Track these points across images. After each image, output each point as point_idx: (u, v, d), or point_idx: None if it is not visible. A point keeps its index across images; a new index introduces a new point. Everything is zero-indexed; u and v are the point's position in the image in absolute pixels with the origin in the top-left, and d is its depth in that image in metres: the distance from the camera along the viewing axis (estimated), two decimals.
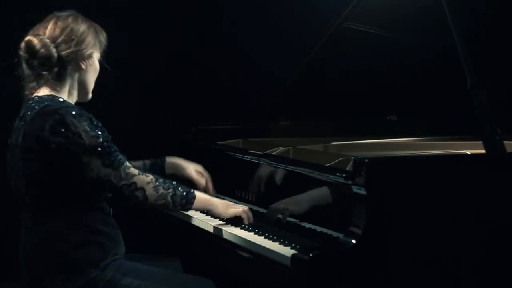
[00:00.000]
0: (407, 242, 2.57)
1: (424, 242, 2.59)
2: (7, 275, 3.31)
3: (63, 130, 2.53)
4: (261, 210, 3.10)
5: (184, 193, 2.69)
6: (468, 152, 3.01)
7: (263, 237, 2.80)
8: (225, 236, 2.90)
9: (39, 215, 2.61)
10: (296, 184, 2.93)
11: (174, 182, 2.68)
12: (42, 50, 2.64)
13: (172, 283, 2.71)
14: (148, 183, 2.62)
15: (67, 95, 2.70)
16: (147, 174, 2.63)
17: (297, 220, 2.89)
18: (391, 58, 3.61)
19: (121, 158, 2.60)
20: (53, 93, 2.67)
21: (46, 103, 2.62)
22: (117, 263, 2.65)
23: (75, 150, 2.54)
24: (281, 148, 3.37)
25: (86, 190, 2.60)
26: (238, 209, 2.90)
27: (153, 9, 4.17)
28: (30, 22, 2.82)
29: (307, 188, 2.87)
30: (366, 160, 2.55)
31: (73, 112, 2.57)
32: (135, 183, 2.59)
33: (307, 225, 2.84)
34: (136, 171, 2.61)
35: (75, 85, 2.72)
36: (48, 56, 2.64)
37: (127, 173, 2.59)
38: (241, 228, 2.91)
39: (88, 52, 2.70)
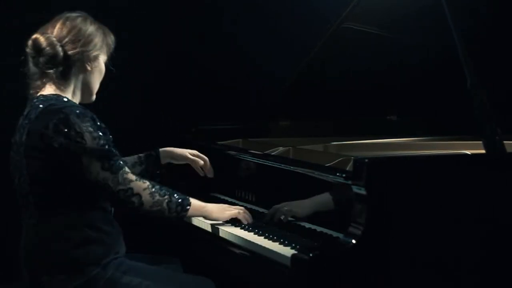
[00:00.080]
0: (407, 242, 2.57)
1: (424, 242, 2.59)
2: (7, 275, 3.31)
3: (66, 129, 2.55)
4: (261, 210, 3.10)
5: (180, 200, 2.70)
6: (468, 152, 3.01)
7: (263, 237, 2.80)
8: (225, 236, 2.90)
9: (42, 213, 2.62)
10: (296, 184, 2.93)
11: (170, 189, 2.69)
12: (48, 48, 2.65)
13: (172, 282, 2.71)
14: (145, 189, 2.63)
15: (71, 95, 2.71)
16: (144, 181, 2.64)
17: (297, 220, 2.89)
18: (391, 58, 3.61)
19: (121, 162, 2.60)
20: (57, 92, 2.68)
21: (50, 102, 2.63)
22: (117, 261, 2.66)
23: (76, 150, 2.55)
24: (281, 148, 3.37)
25: (87, 190, 2.61)
26: (233, 211, 2.90)
27: (153, 9, 4.17)
28: (30, 23, 2.82)
29: (307, 188, 2.87)
30: (366, 160, 2.55)
31: (77, 111, 2.58)
32: (131, 188, 2.60)
33: (307, 225, 2.84)
34: (133, 177, 2.62)
35: (80, 86, 2.73)
36: (54, 55, 2.65)
37: (125, 178, 2.59)
38: (241, 228, 2.91)
39: (94, 54, 2.71)
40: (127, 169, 2.62)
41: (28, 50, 2.69)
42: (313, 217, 2.82)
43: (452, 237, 2.63)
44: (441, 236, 2.61)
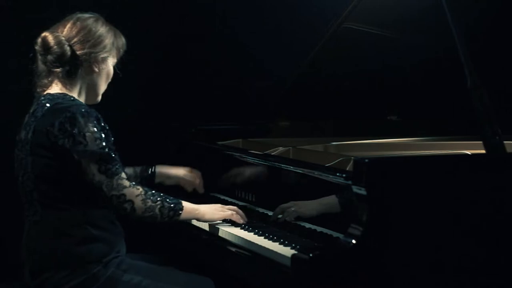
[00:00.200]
0: (407, 242, 2.57)
1: (424, 242, 2.59)
2: (7, 275, 3.31)
3: (70, 128, 2.56)
4: (261, 210, 3.10)
5: (172, 205, 2.71)
6: (468, 152, 3.01)
7: (263, 237, 2.80)
8: (225, 236, 2.90)
9: (45, 210, 2.63)
10: (296, 184, 2.93)
11: (162, 194, 2.70)
12: (56, 47, 2.67)
13: (172, 281, 2.72)
14: (137, 195, 2.63)
15: (77, 94, 2.73)
16: (138, 187, 2.65)
17: (298, 220, 2.89)
18: (391, 58, 3.60)
19: (118, 167, 2.61)
20: (64, 91, 2.70)
21: (57, 100, 2.65)
22: (118, 260, 2.67)
23: (76, 150, 2.56)
24: (281, 148, 3.37)
25: (90, 188, 2.61)
26: (226, 213, 2.91)
27: (153, 9, 4.17)
28: (31, 23, 2.82)
29: (307, 188, 2.87)
30: (366, 160, 2.55)
31: (83, 110, 2.60)
32: (124, 195, 2.61)
33: (307, 225, 2.84)
34: (127, 183, 2.62)
35: (86, 86, 2.75)
36: (61, 54, 2.67)
37: (119, 184, 2.60)
38: (241, 228, 2.91)
39: (102, 56, 2.73)
40: (123, 175, 2.62)
41: (37, 47, 2.71)
42: (316, 217, 2.82)
43: (452, 237, 2.63)
44: (441, 236, 2.61)
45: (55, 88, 2.71)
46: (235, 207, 2.97)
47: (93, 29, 2.72)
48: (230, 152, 3.38)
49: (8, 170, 2.90)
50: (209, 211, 2.87)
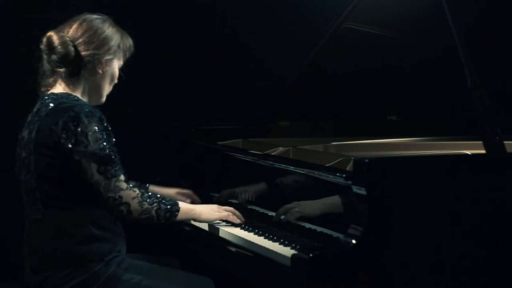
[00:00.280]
0: (407, 242, 2.57)
1: (424, 242, 2.59)
2: (7, 275, 3.31)
3: (73, 127, 2.57)
4: (261, 210, 3.10)
5: (169, 206, 2.71)
6: (468, 152, 3.01)
7: (263, 237, 2.80)
8: (225, 236, 2.90)
9: (48, 209, 2.63)
10: (296, 184, 2.93)
11: (158, 196, 2.70)
12: (60, 47, 2.68)
13: (172, 280, 2.73)
14: (134, 198, 2.63)
15: (81, 95, 2.73)
16: (135, 189, 2.65)
17: (298, 220, 2.89)
18: (391, 58, 3.60)
19: (117, 170, 2.61)
20: (67, 91, 2.71)
21: (61, 100, 2.66)
22: (119, 259, 2.68)
23: (78, 149, 2.56)
24: (281, 149, 3.37)
25: (90, 188, 2.61)
26: (223, 213, 2.91)
27: (153, 9, 4.17)
28: (31, 23, 2.82)
29: (307, 188, 2.87)
30: (366, 161, 2.55)
31: (87, 110, 2.60)
32: (121, 197, 2.61)
33: (307, 225, 2.83)
34: (125, 185, 2.62)
35: (89, 88, 2.75)
36: (65, 54, 2.68)
37: (116, 186, 2.60)
38: (241, 228, 2.91)
39: (106, 58, 2.73)
40: (122, 177, 2.62)
41: (42, 46, 2.72)
42: (318, 217, 2.82)
43: (452, 237, 2.63)
44: (441, 236, 2.61)
45: (59, 88, 2.72)
46: (231, 208, 2.96)
47: (99, 30, 2.72)
48: (230, 152, 3.38)
49: (8, 170, 2.90)
50: (206, 211, 2.87)
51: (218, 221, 2.97)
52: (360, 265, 2.50)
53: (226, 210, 2.94)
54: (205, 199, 3.32)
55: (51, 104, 2.65)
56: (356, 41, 3.54)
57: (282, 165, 3.00)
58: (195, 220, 2.87)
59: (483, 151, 2.77)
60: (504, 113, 2.92)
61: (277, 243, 2.71)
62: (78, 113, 2.58)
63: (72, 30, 2.72)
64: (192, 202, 3.12)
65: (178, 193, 3.24)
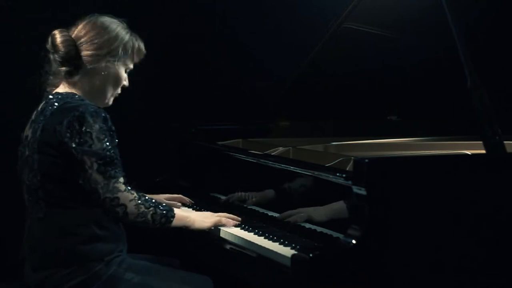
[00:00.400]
0: (407, 242, 2.57)
1: (424, 242, 2.59)
2: (7, 275, 3.31)
3: (78, 127, 2.57)
4: (261, 210, 3.10)
5: (164, 212, 2.70)
6: (468, 152, 3.01)
7: (263, 237, 2.80)
8: (225, 236, 2.90)
9: (50, 208, 2.63)
10: (296, 184, 2.93)
11: (155, 201, 2.69)
12: (61, 45, 2.68)
13: (173, 280, 2.73)
14: (131, 200, 2.62)
15: (84, 95, 2.71)
16: (132, 192, 2.63)
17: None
18: (391, 58, 3.61)
19: (117, 171, 2.60)
20: (72, 90, 2.71)
21: (66, 100, 2.66)
22: (119, 259, 2.68)
23: (82, 148, 2.56)
24: (281, 149, 3.37)
25: (89, 187, 2.61)
26: (215, 218, 2.90)
27: (153, 9, 4.17)
28: (31, 23, 2.82)
29: (307, 188, 2.86)
30: (366, 161, 2.55)
31: (92, 110, 2.60)
32: (118, 198, 2.60)
33: (307, 226, 2.83)
34: (123, 187, 2.61)
35: (91, 88, 2.73)
36: (65, 53, 2.68)
37: (114, 187, 2.59)
38: (241, 229, 2.91)
39: (108, 59, 2.71)
40: (121, 179, 2.61)
41: (47, 45, 2.71)
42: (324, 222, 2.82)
43: (452, 237, 2.63)
44: (441, 236, 2.61)
45: (63, 88, 2.72)
46: (224, 213, 2.95)
47: (102, 31, 2.71)
48: (230, 152, 3.38)
49: (8, 170, 2.90)
50: (199, 220, 2.86)
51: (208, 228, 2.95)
52: (360, 265, 2.50)
53: (219, 216, 2.92)
54: (205, 199, 3.32)
55: (56, 104, 2.65)
56: (356, 41, 3.54)
57: (282, 165, 3.00)
58: (188, 227, 2.86)
59: (483, 151, 2.77)
60: (504, 113, 2.93)
61: (277, 243, 2.71)
62: (83, 113, 2.58)
63: (77, 30, 2.72)
64: (183, 205, 3.14)
65: (168, 199, 3.24)
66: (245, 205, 3.18)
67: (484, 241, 2.68)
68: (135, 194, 2.63)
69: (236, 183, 3.28)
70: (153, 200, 2.68)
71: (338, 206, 2.68)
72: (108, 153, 2.58)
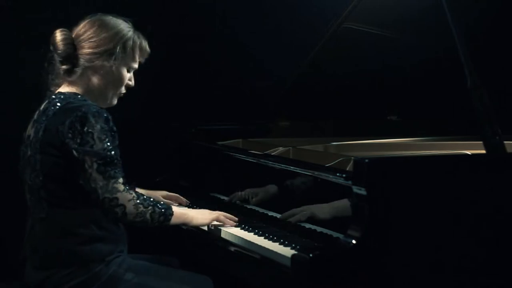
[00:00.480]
0: (407, 242, 2.57)
1: (424, 242, 2.59)
2: (7, 275, 3.31)
3: (80, 127, 2.56)
4: (261, 210, 3.10)
5: (163, 210, 2.69)
6: (469, 152, 3.02)
7: (263, 237, 2.80)
8: (225, 236, 2.90)
9: (52, 208, 2.63)
10: (296, 184, 2.93)
11: (152, 199, 2.69)
12: (60, 44, 2.68)
13: (172, 279, 2.73)
14: (130, 200, 2.61)
15: (85, 95, 2.71)
16: (131, 192, 2.63)
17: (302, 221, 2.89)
18: (391, 58, 3.61)
19: (117, 172, 2.59)
20: (73, 90, 2.70)
21: (69, 100, 2.65)
22: (120, 259, 2.68)
23: (83, 148, 2.55)
24: (281, 149, 3.37)
25: (89, 187, 2.61)
26: (214, 215, 2.90)
27: (153, 9, 4.17)
28: (31, 23, 2.82)
29: (307, 188, 2.86)
30: (366, 161, 2.55)
31: (94, 110, 2.59)
32: (117, 198, 2.59)
33: (307, 226, 2.83)
34: (122, 187, 2.60)
35: (91, 88, 2.72)
36: (63, 52, 2.67)
37: (113, 187, 2.58)
38: (241, 229, 2.91)
39: (105, 58, 2.69)
40: (120, 180, 2.60)
41: (50, 45, 2.71)
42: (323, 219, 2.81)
43: (452, 237, 2.63)
44: (441, 237, 2.61)
45: (65, 88, 2.71)
46: (222, 212, 2.95)
47: (100, 29, 2.70)
48: (230, 152, 3.38)
49: (8, 170, 2.90)
50: (197, 216, 2.86)
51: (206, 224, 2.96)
52: (360, 265, 2.50)
53: (217, 213, 2.92)
54: (205, 199, 3.32)
55: (59, 104, 2.65)
56: (356, 41, 3.54)
57: (282, 165, 3.00)
58: (187, 224, 2.86)
59: (483, 151, 2.77)
60: (504, 113, 2.93)
61: (277, 243, 2.71)
62: (86, 113, 2.57)
63: (79, 28, 2.72)
64: (180, 205, 3.14)
65: (165, 197, 3.24)
66: (246, 205, 3.18)
67: (484, 241, 2.68)
68: (134, 194, 2.63)
69: (236, 183, 3.28)
70: (151, 199, 2.68)
71: (342, 204, 2.67)
72: (108, 153, 2.58)
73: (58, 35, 2.69)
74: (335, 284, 2.49)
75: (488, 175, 2.72)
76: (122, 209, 2.60)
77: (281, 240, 2.72)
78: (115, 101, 2.80)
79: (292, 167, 2.95)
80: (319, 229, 2.78)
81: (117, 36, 2.72)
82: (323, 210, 2.79)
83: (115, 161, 2.60)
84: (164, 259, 2.94)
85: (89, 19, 2.74)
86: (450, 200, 2.62)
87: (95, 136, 2.56)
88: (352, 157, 2.74)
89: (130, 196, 2.62)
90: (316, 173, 2.79)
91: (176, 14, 4.21)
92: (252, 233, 2.85)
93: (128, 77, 2.80)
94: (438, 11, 2.87)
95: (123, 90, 2.80)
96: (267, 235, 2.80)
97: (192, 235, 3.13)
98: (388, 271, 2.56)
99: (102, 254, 2.64)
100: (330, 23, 3.48)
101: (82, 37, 2.70)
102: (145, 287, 2.66)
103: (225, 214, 2.94)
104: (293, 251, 2.59)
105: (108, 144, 2.58)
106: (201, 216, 2.87)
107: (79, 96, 2.68)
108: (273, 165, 3.04)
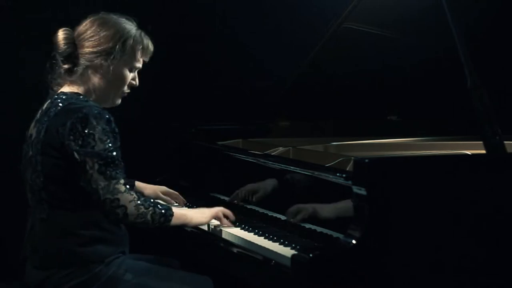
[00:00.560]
0: (407, 242, 2.57)
1: (424, 242, 2.59)
2: (7, 275, 3.31)
3: (81, 129, 2.55)
4: (261, 210, 3.10)
5: (163, 211, 2.69)
6: (469, 152, 3.01)
7: (263, 237, 2.80)
8: (225, 236, 2.90)
9: (52, 209, 2.62)
10: (296, 184, 2.93)
11: (152, 200, 2.68)
12: (61, 42, 2.67)
13: (172, 280, 2.73)
14: (131, 201, 2.60)
15: (87, 95, 2.70)
16: (131, 192, 2.62)
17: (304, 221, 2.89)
18: (391, 58, 3.61)
19: (118, 173, 2.59)
20: (74, 90, 2.69)
21: (70, 101, 2.64)
22: (119, 259, 2.68)
23: (84, 150, 2.55)
24: (281, 149, 3.37)
25: (90, 189, 2.61)
26: (212, 212, 2.90)
27: (153, 9, 4.17)
28: (31, 23, 2.81)
29: (307, 188, 2.86)
30: (366, 161, 2.55)
31: (95, 112, 2.58)
32: (118, 199, 2.58)
33: (307, 226, 2.83)
34: (123, 188, 2.59)
35: (93, 88, 2.71)
36: (63, 51, 2.67)
37: (115, 188, 2.57)
38: (241, 229, 2.91)
39: (104, 57, 2.68)
40: (122, 181, 2.60)
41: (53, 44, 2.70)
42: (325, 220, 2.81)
43: (452, 237, 2.63)
44: (441, 237, 2.61)
45: (67, 87, 2.70)
46: (220, 208, 2.95)
47: (101, 29, 2.69)
48: (230, 152, 3.38)
49: (9, 170, 2.90)
50: (196, 216, 2.85)
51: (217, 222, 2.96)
52: (360, 265, 2.50)
53: (216, 210, 2.92)
54: (205, 199, 3.32)
55: (60, 104, 2.63)
56: (356, 41, 3.54)
57: (282, 165, 3.00)
58: (187, 225, 2.85)
59: (483, 151, 2.77)
60: (504, 113, 2.92)
61: (277, 243, 2.71)
62: (87, 115, 2.56)
63: (81, 27, 2.71)
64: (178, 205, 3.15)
65: (164, 192, 3.24)
66: (246, 205, 3.18)
67: (484, 241, 2.67)
68: (135, 195, 2.62)
69: (236, 183, 3.28)
70: (151, 200, 2.68)
71: (345, 206, 2.67)
72: (109, 153, 2.57)
73: (60, 34, 2.68)
74: (335, 284, 2.49)
75: (488, 175, 2.72)
76: (123, 210, 2.59)
77: (281, 240, 2.72)
78: (118, 101, 2.79)
79: (292, 167, 2.95)
80: (319, 229, 2.78)
81: (117, 35, 2.71)
82: (325, 210, 2.79)
83: (116, 162, 2.59)
84: (164, 259, 2.94)
85: (91, 18, 2.73)
86: (450, 200, 2.62)
87: (96, 138, 2.55)
88: (352, 157, 2.74)
89: (131, 197, 2.61)
90: (316, 173, 2.79)
91: (176, 14, 4.21)
92: (252, 233, 2.85)
93: (131, 76, 2.78)
94: (438, 11, 2.87)
95: (126, 89, 2.79)
96: (267, 235, 2.80)
97: (192, 236, 3.13)
98: (388, 271, 2.56)
99: (102, 255, 2.63)
100: (330, 23, 3.48)
101: (82, 36, 2.69)
102: None
103: (224, 210, 2.93)
104: (293, 251, 2.59)
105: (110, 145, 2.57)
106: (200, 215, 2.87)
107: (81, 97, 2.68)
108: (273, 165, 3.04)
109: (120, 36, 2.71)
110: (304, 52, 3.65)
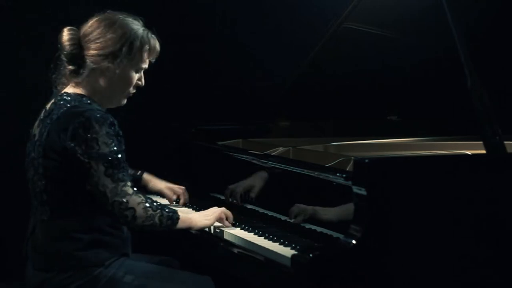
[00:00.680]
0: (407, 242, 2.57)
1: (424, 242, 2.59)
2: (7, 275, 3.31)
3: (83, 133, 2.54)
4: (261, 210, 3.10)
5: (170, 214, 2.69)
6: (469, 152, 3.01)
7: (263, 237, 2.80)
8: (225, 236, 2.90)
9: (54, 212, 2.62)
10: (296, 184, 2.93)
11: (159, 202, 2.68)
12: (66, 43, 2.64)
13: (172, 280, 2.72)
14: (139, 203, 2.60)
15: (91, 97, 2.68)
16: (139, 195, 2.61)
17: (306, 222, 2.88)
18: (391, 58, 3.60)
19: (124, 175, 2.58)
20: (79, 91, 2.67)
21: (74, 103, 2.62)
22: (119, 261, 2.67)
23: (89, 154, 2.54)
24: (281, 149, 3.37)
25: (97, 192, 2.60)
26: (216, 214, 2.90)
27: (153, 9, 4.17)
28: (31, 23, 2.81)
29: (307, 188, 2.86)
30: (366, 161, 2.55)
31: (98, 116, 2.56)
32: (127, 201, 2.58)
33: (307, 226, 2.83)
34: (131, 191, 2.59)
35: (96, 90, 2.69)
36: (70, 52, 2.64)
37: (122, 190, 2.57)
38: (241, 229, 2.91)
39: (110, 60, 2.65)
40: (129, 183, 2.59)
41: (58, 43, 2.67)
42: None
43: (452, 238, 2.63)
44: (441, 237, 2.61)
45: (71, 87, 2.68)
46: (222, 208, 2.95)
47: (107, 30, 2.66)
48: (230, 152, 3.38)
49: (8, 170, 2.90)
50: (200, 219, 2.85)
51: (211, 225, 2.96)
52: (360, 265, 2.50)
53: (218, 211, 2.92)
54: (205, 199, 3.32)
55: (63, 107, 2.62)
56: (356, 41, 3.54)
57: (282, 165, 3.00)
58: (192, 228, 2.85)
59: (483, 151, 2.77)
60: (504, 113, 2.92)
61: (277, 243, 2.71)
62: (89, 119, 2.54)
63: (86, 27, 2.67)
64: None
65: (169, 188, 3.24)
66: (246, 205, 3.18)
67: (484, 241, 2.68)
68: (142, 197, 2.62)
69: (236, 183, 3.27)
70: (158, 202, 2.68)
71: (346, 208, 2.66)
72: (115, 155, 2.56)
73: (65, 34, 2.64)
74: (335, 284, 2.49)
75: (488, 175, 2.72)
76: (132, 212, 2.58)
77: (281, 240, 2.72)
78: (124, 101, 2.78)
79: (292, 167, 2.95)
80: (319, 229, 2.78)
81: (124, 37, 2.67)
82: (330, 212, 2.79)
83: (122, 164, 2.58)
84: (164, 260, 2.94)
85: (96, 18, 2.69)
86: (450, 200, 2.62)
87: (99, 142, 2.54)
88: (352, 157, 2.74)
89: (139, 199, 2.60)
90: (316, 173, 2.79)
91: (176, 14, 4.21)
92: (252, 233, 2.85)
93: (137, 77, 2.76)
94: (438, 11, 2.87)
95: (132, 90, 2.77)
96: (267, 235, 2.80)
97: (192, 236, 3.13)
98: (388, 271, 2.56)
99: (102, 258, 2.62)
100: (330, 23, 3.48)
101: (88, 37, 2.64)
102: None
103: (225, 210, 2.93)
104: (293, 251, 2.59)
105: (115, 148, 2.56)
106: (204, 219, 2.87)
107: (84, 99, 2.65)
108: (273, 165, 3.04)
109: (127, 38, 2.68)
110: (304, 52, 3.65)
